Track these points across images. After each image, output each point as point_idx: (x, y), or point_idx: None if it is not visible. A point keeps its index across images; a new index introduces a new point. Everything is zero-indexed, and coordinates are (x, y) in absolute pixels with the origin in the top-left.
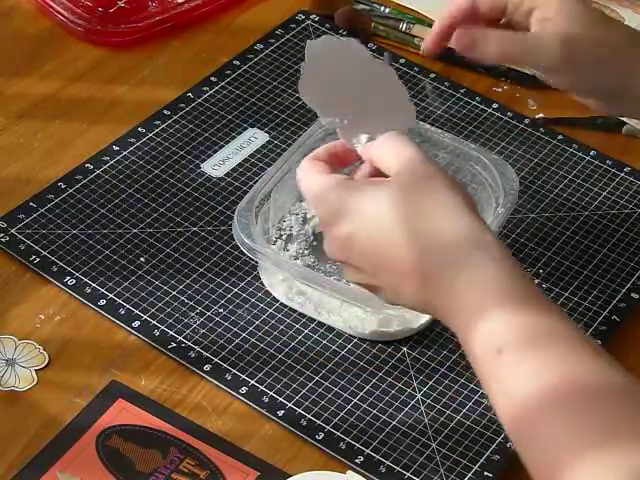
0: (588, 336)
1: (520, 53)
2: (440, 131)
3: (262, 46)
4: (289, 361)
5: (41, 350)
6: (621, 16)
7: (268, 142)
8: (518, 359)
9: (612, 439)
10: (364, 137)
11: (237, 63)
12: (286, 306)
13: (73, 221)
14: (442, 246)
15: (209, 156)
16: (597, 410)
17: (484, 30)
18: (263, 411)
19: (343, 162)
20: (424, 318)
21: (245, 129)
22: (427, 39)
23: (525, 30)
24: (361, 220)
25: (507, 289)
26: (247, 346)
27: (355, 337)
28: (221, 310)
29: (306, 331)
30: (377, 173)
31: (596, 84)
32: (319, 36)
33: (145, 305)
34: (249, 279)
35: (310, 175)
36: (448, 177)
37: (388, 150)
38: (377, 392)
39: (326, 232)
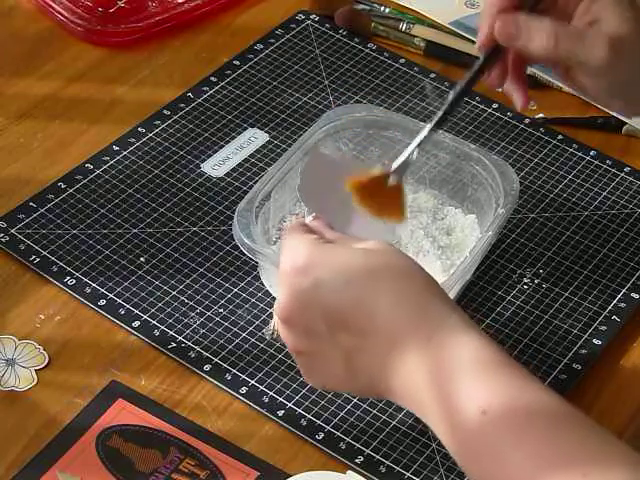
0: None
1: (567, 48)
2: (440, 131)
3: (262, 46)
4: (289, 361)
5: (41, 350)
6: None
7: (268, 142)
8: (488, 383)
9: (592, 461)
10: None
11: (237, 63)
12: None
13: (73, 221)
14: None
15: (209, 156)
16: (573, 432)
17: (531, 17)
18: (263, 411)
19: None
20: None
21: (245, 129)
22: (480, 32)
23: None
24: (324, 274)
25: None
26: (247, 346)
27: None
28: (221, 310)
29: None
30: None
31: (630, 87)
32: (319, 36)
33: (145, 305)
34: (249, 279)
35: (292, 229)
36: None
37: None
38: None
39: (282, 287)
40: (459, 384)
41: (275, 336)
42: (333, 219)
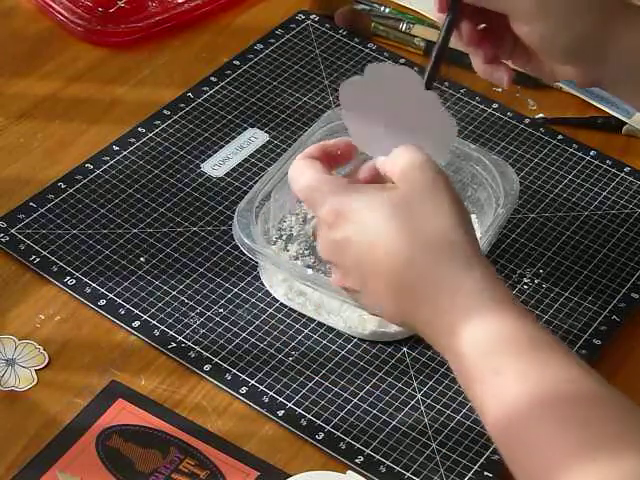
0: (564, 343)
1: None
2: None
3: (262, 46)
4: (289, 361)
5: (41, 350)
6: None
7: (268, 142)
8: (506, 363)
9: (602, 446)
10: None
11: (237, 63)
12: (286, 306)
13: (73, 221)
14: (434, 260)
15: (209, 156)
16: (586, 415)
17: None
18: (263, 411)
19: (338, 161)
20: None
21: (245, 129)
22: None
23: None
24: (359, 226)
25: (495, 299)
26: (247, 346)
27: (355, 337)
28: (221, 310)
29: (306, 331)
30: (378, 177)
31: (569, 40)
32: (319, 36)
33: (145, 305)
34: (249, 279)
35: (306, 173)
36: (450, 189)
37: (396, 155)
38: (377, 392)
39: (322, 232)
40: (473, 362)
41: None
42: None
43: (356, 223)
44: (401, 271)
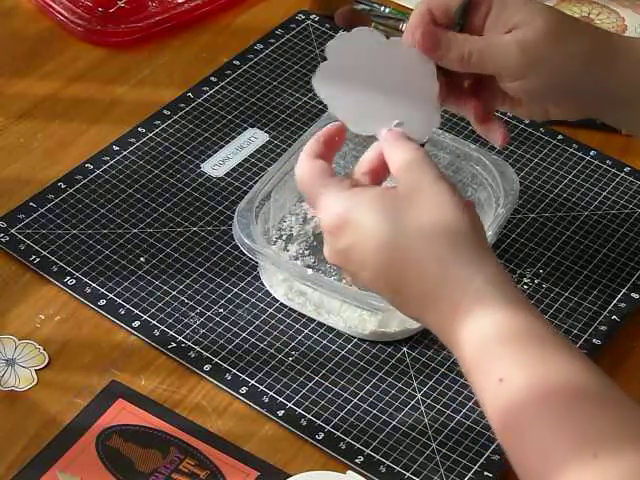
0: (568, 339)
1: (480, 58)
2: (440, 131)
3: (262, 46)
4: (289, 361)
5: (41, 350)
6: (621, 16)
7: (268, 142)
8: (511, 355)
9: (602, 443)
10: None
11: (237, 63)
12: (286, 306)
13: (73, 221)
14: (437, 262)
15: (209, 156)
16: (588, 413)
17: (448, 32)
18: (263, 411)
19: (336, 146)
20: None
21: (245, 129)
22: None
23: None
24: (361, 233)
25: (501, 294)
26: (247, 346)
27: (355, 337)
28: (221, 310)
29: (306, 331)
30: (378, 168)
31: (558, 92)
32: (319, 36)
33: (145, 305)
34: (249, 279)
35: (314, 177)
36: (449, 187)
37: (394, 152)
38: (377, 392)
39: (326, 240)
40: (483, 357)
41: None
42: (358, 107)
43: (357, 232)
44: (406, 269)
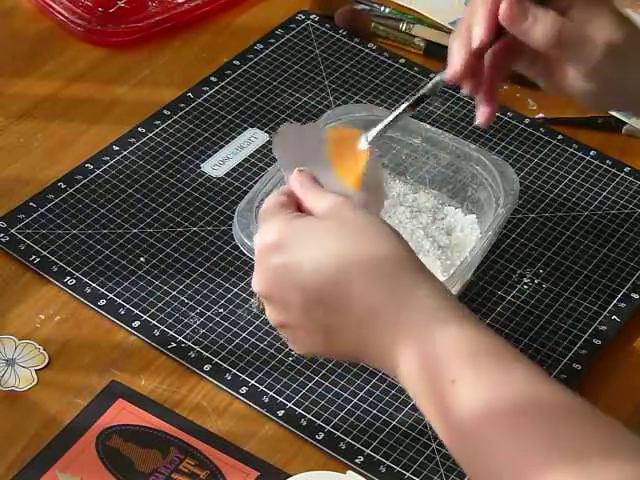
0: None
1: (567, 43)
2: (440, 131)
3: (262, 46)
4: (289, 361)
5: (41, 350)
6: None
7: (268, 142)
8: (464, 372)
9: (567, 459)
10: None
11: (237, 63)
12: None
13: (73, 221)
14: (386, 281)
15: (209, 156)
16: (550, 427)
17: (537, 7)
18: (263, 411)
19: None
20: None
21: (245, 129)
22: (453, 63)
23: None
24: (297, 252)
25: (448, 312)
26: (247, 346)
27: None
28: (221, 310)
29: None
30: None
31: (619, 99)
32: (319, 36)
33: (145, 305)
34: (249, 279)
35: (270, 207)
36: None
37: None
38: (377, 392)
39: (258, 260)
40: (428, 374)
41: (261, 308)
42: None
43: (293, 251)
44: (342, 293)
